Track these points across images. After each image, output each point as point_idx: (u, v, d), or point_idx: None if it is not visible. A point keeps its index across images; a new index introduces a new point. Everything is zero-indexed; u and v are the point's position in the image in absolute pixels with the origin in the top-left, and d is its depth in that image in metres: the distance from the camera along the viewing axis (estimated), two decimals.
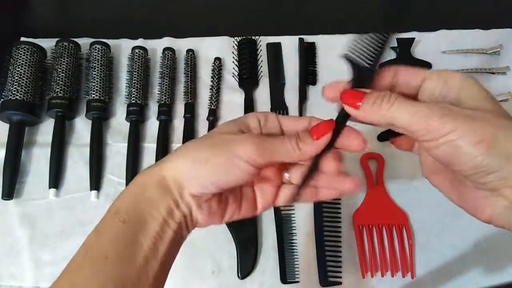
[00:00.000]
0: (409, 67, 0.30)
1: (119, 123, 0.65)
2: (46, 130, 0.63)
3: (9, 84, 0.61)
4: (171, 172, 0.30)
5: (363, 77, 0.30)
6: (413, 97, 0.30)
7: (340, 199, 0.59)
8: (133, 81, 0.64)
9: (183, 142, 0.63)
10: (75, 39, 0.66)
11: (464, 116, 0.26)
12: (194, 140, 0.32)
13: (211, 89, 0.67)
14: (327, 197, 0.34)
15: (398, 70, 0.30)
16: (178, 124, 0.65)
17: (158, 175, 0.30)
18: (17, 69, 0.61)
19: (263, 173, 0.33)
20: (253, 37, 0.70)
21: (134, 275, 0.27)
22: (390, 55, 0.69)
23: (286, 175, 0.34)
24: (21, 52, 0.62)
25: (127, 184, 0.61)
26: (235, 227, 0.57)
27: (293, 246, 0.57)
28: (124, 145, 0.63)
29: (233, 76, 0.68)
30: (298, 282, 0.55)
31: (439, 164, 0.30)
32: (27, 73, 0.61)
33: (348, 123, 0.31)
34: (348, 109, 0.29)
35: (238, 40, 0.70)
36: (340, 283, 0.54)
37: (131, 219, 0.29)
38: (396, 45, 0.68)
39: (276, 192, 0.34)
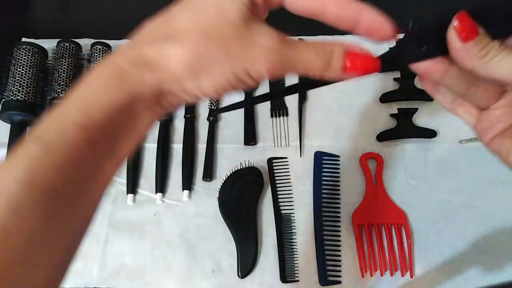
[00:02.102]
0: None
1: None
2: None
3: (11, 85, 0.61)
4: (162, 68, 0.23)
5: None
6: None
7: (339, 198, 0.59)
8: None
9: (184, 142, 0.64)
10: (76, 40, 0.67)
11: None
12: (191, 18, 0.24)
13: None
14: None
15: None
16: (179, 124, 0.65)
17: (149, 71, 0.23)
18: (19, 70, 0.62)
19: None
20: None
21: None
22: None
23: None
24: (22, 53, 0.63)
25: (128, 185, 0.61)
26: (235, 226, 0.57)
27: (292, 245, 0.57)
28: None
29: None
30: (297, 281, 0.55)
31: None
32: (29, 73, 0.62)
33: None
34: (453, 37, 0.25)
35: None
36: (339, 282, 0.55)
37: (102, 140, 0.23)
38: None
39: None
